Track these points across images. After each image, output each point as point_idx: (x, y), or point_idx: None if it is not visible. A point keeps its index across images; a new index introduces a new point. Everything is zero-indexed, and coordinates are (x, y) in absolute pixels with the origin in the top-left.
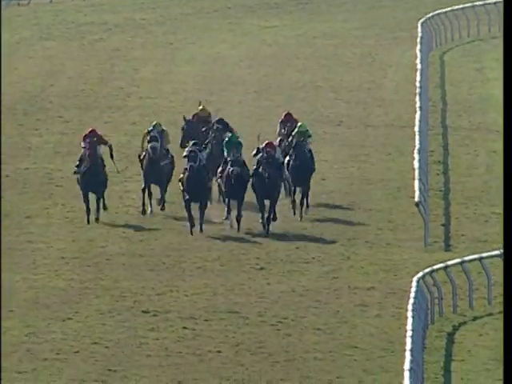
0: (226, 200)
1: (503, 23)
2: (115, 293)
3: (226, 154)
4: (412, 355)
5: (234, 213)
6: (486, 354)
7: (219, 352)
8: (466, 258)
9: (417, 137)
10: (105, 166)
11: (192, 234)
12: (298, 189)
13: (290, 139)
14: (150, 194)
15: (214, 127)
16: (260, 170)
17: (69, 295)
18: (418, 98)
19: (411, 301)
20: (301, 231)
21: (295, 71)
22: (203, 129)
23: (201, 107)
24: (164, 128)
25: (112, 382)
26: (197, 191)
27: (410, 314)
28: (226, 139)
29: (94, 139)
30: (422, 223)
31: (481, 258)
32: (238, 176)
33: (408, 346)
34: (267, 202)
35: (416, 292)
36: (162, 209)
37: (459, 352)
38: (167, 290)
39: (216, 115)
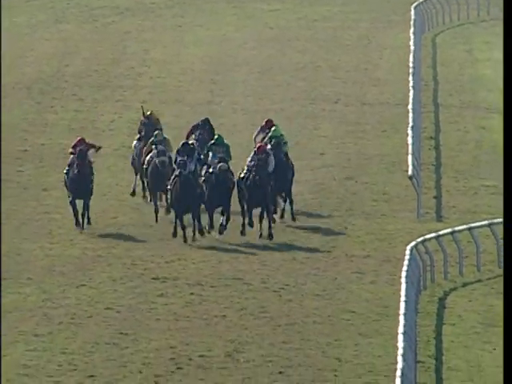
0: (208, 209)
1: (503, 19)
2: (126, 261)
3: (210, 156)
4: (405, 319)
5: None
6: (475, 318)
7: (224, 316)
8: (457, 228)
9: (410, 114)
10: (93, 174)
11: (186, 240)
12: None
13: (269, 140)
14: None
15: (200, 129)
16: (250, 175)
17: (83, 263)
18: (411, 78)
19: (405, 268)
20: (301, 203)
21: (296, 52)
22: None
23: (149, 112)
24: (166, 136)
25: (124, 345)
26: (188, 200)
27: (403, 280)
28: (212, 141)
29: (82, 148)
30: (415, 195)
31: (470, 228)
32: (225, 172)
33: (402, 310)
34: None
35: (409, 260)
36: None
37: (450, 316)
38: (175, 258)
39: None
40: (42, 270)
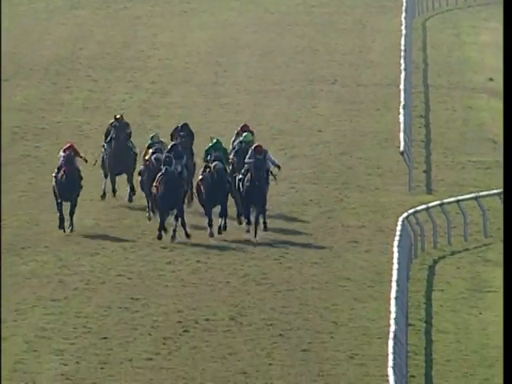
0: (207, 207)
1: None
2: (137, 231)
3: (207, 158)
4: (398, 285)
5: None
6: (462, 284)
7: (228, 282)
8: (445, 200)
9: (402, 94)
10: (81, 177)
11: (160, 238)
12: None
13: (234, 149)
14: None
15: (180, 134)
16: (248, 174)
17: (96, 233)
18: (402, 60)
19: (397, 238)
20: (299, 177)
21: (295, 36)
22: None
23: (118, 116)
24: (162, 139)
25: (134, 309)
26: (172, 198)
27: (395, 249)
28: (210, 145)
29: (71, 153)
30: (407, 170)
31: (458, 201)
32: (221, 170)
33: (394, 277)
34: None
35: (401, 230)
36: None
37: (439, 282)
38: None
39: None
40: (59, 239)
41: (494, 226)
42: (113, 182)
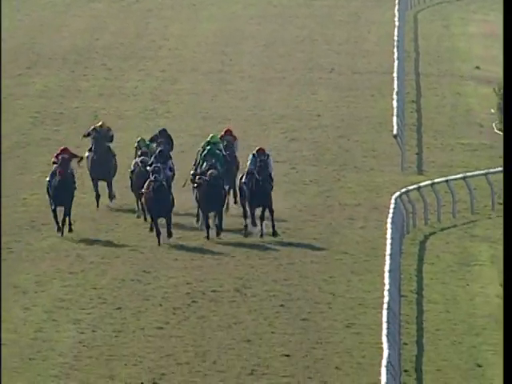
0: (202, 213)
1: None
2: None
3: (204, 164)
4: (391, 259)
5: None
6: (450, 258)
7: (233, 256)
8: (435, 180)
9: (395, 81)
10: (75, 182)
11: (160, 243)
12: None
13: (201, 150)
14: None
15: (158, 140)
16: (250, 177)
17: (111, 211)
18: (395, 50)
19: (390, 215)
20: (299, 158)
21: (296, 28)
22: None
23: (100, 123)
24: (148, 142)
25: (146, 281)
26: (161, 206)
27: (389, 225)
28: (205, 151)
29: (65, 156)
30: (399, 152)
31: (447, 180)
32: (217, 177)
33: (388, 251)
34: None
35: (394, 208)
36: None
37: (429, 257)
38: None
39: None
40: (76, 216)
41: (480, 204)
42: (95, 187)
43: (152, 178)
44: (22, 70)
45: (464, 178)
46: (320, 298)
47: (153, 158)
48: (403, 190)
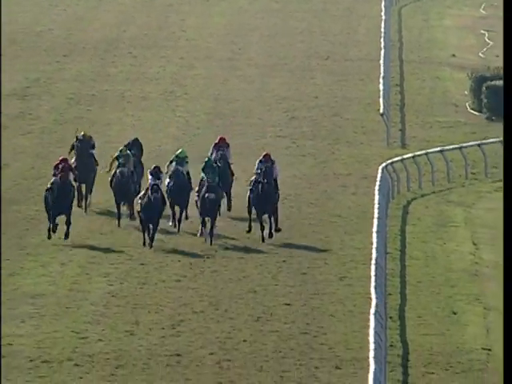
0: (201, 218)
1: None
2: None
3: (203, 176)
4: (378, 221)
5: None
6: (430, 220)
7: (242, 221)
8: (416, 153)
9: (382, 67)
10: (73, 188)
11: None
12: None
13: (169, 164)
14: (119, 210)
15: (129, 149)
16: (256, 184)
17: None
18: (382, 40)
19: (377, 183)
20: (299, 134)
21: (296, 21)
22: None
23: (82, 133)
24: (128, 152)
25: (167, 240)
26: (152, 217)
27: (376, 192)
28: (204, 164)
29: (66, 165)
30: (385, 128)
31: (427, 153)
32: (213, 201)
33: (375, 214)
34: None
35: (381, 177)
36: (132, 219)
37: (411, 219)
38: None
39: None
40: (103, 185)
41: (455, 174)
42: (79, 193)
43: (151, 197)
44: (59, 58)
45: (441, 151)
46: (317, 254)
47: (149, 173)
48: (389, 161)
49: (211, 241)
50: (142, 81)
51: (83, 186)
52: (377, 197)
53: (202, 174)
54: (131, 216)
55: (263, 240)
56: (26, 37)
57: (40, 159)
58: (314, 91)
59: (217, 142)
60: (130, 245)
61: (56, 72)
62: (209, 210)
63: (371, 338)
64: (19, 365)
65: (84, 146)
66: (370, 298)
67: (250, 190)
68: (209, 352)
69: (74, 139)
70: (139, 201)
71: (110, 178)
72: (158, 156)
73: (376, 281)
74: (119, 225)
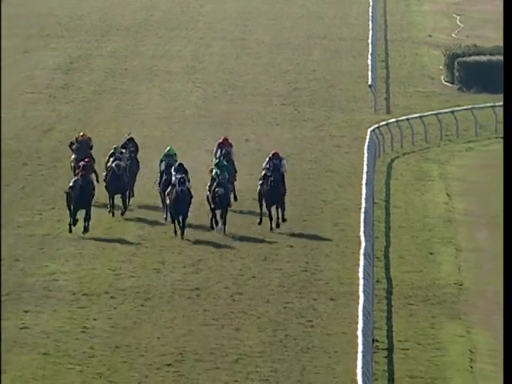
0: (212, 212)
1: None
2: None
3: (214, 175)
4: (367, 175)
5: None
6: (410, 175)
7: (252, 174)
8: (399, 118)
9: (370, 46)
10: (94, 189)
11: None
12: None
13: (160, 161)
14: (113, 203)
15: (128, 147)
16: (266, 179)
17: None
18: (370, 22)
19: (366, 143)
20: (300, 102)
21: (297, 6)
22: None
23: (81, 133)
24: (122, 150)
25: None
26: (182, 208)
27: (365, 151)
28: (217, 163)
29: (89, 164)
30: (373, 97)
31: (408, 119)
32: (222, 196)
33: (364, 169)
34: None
35: (369, 138)
36: (123, 214)
37: (395, 174)
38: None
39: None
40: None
41: (432, 136)
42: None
43: (179, 190)
44: (97, 37)
45: (420, 117)
46: (314, 204)
47: (174, 172)
48: (376, 125)
49: (224, 229)
50: (167, 57)
51: None
52: (366, 155)
53: (215, 171)
54: (124, 210)
55: (271, 229)
56: (69, 20)
57: (81, 123)
58: (312, 66)
59: (221, 141)
60: (155, 204)
61: (94, 49)
62: (219, 203)
63: (361, 275)
64: (63, 297)
65: (83, 147)
66: (360, 241)
67: (261, 184)
68: (223, 286)
69: (74, 140)
70: (167, 196)
71: (104, 173)
72: (181, 121)
73: (365, 226)
74: (113, 214)
